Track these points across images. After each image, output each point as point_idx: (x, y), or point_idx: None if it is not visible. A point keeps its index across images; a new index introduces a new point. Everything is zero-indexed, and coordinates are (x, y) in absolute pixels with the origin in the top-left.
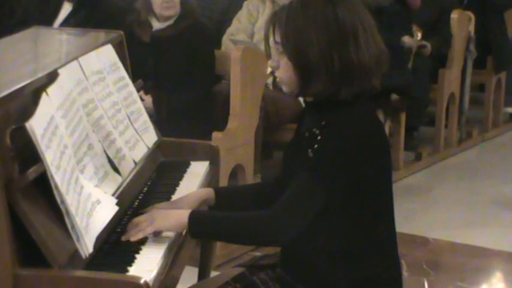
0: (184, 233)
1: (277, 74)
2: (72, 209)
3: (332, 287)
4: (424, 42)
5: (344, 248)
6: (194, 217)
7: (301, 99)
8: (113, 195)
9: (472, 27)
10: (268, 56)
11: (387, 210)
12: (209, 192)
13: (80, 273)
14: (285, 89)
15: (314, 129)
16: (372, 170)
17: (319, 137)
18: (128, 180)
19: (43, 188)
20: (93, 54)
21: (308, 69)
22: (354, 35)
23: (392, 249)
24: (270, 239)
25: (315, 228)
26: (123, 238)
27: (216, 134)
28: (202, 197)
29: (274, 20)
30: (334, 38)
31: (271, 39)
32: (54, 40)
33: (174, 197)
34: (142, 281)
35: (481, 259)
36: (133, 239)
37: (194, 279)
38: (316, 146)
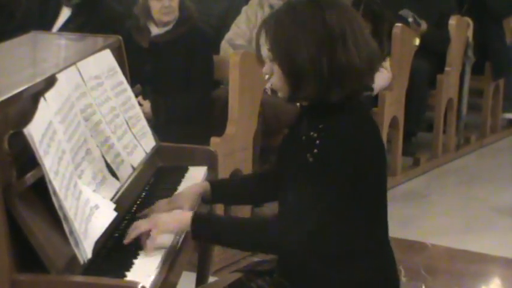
0: (181, 238)
1: (271, 80)
2: (71, 214)
3: None
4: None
5: (340, 251)
6: (197, 219)
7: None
8: (111, 200)
9: (470, 33)
10: (262, 63)
11: (382, 213)
12: (205, 186)
13: (78, 278)
14: (279, 94)
15: (312, 133)
16: (369, 173)
17: (317, 141)
18: (126, 185)
19: (41, 193)
20: (91, 59)
21: (298, 74)
22: (343, 38)
23: (388, 253)
24: (276, 248)
25: (312, 232)
26: (125, 241)
27: (214, 139)
28: (198, 191)
29: (264, 28)
30: (322, 43)
31: (262, 47)
32: (53, 45)
33: None
34: (140, 286)
35: (479, 265)
36: (126, 241)
37: (192, 285)
38: (315, 150)
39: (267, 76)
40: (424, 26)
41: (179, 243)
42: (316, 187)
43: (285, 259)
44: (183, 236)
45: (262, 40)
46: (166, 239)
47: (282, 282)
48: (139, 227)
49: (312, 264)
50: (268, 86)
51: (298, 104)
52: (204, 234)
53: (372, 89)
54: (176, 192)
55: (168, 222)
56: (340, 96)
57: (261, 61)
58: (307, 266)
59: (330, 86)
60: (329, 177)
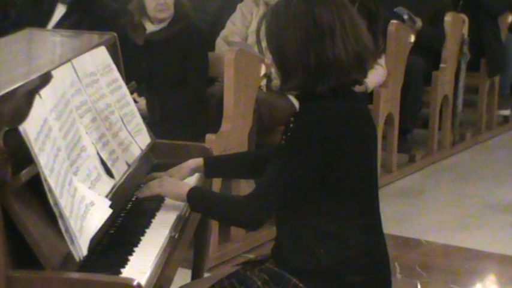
0: (177, 233)
1: (273, 69)
2: (66, 211)
3: (316, 271)
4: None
5: (328, 231)
6: (192, 193)
7: (294, 100)
8: (106, 197)
9: (465, 30)
10: (262, 54)
11: (370, 195)
12: (198, 161)
13: (73, 275)
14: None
15: (291, 118)
16: (347, 157)
17: (291, 125)
18: (121, 182)
19: (36, 190)
20: (86, 56)
21: (286, 66)
22: (331, 32)
23: (377, 232)
24: (244, 223)
25: (300, 211)
26: (136, 193)
27: (209, 136)
28: (190, 166)
29: (263, 20)
30: (310, 36)
31: (262, 39)
32: (48, 42)
33: (166, 199)
34: (135, 283)
35: (474, 261)
36: (140, 195)
37: (187, 281)
38: (288, 134)
39: (262, 72)
40: (419, 23)
41: (174, 239)
42: (282, 168)
43: (276, 248)
44: (178, 232)
45: (262, 32)
46: (161, 237)
47: (272, 268)
48: (151, 188)
49: (298, 243)
50: (263, 83)
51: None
52: (195, 208)
53: (361, 83)
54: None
55: (171, 189)
56: (326, 87)
57: (261, 51)
58: (293, 247)
59: (317, 78)
60: (294, 160)
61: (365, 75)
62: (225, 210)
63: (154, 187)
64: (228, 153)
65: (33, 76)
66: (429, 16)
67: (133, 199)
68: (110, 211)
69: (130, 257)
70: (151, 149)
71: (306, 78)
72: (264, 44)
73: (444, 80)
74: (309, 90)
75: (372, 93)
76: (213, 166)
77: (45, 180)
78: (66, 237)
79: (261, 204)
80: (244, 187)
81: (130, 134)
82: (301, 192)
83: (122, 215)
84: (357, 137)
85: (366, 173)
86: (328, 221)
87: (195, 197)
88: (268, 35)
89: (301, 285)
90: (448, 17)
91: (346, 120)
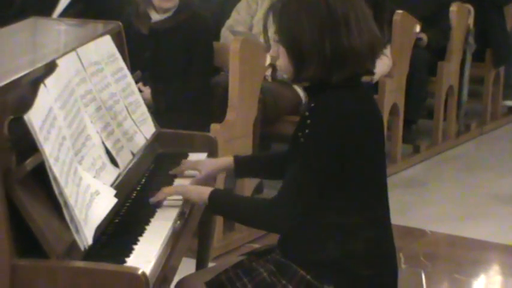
0: (182, 222)
1: (277, 63)
2: (71, 200)
3: (323, 263)
4: (420, 35)
5: (337, 223)
6: (212, 198)
7: (299, 90)
8: (111, 186)
9: (471, 20)
10: (269, 47)
11: (380, 187)
12: (229, 161)
13: (78, 264)
14: (285, 75)
15: (306, 113)
16: (361, 150)
17: (308, 121)
18: (125, 171)
19: (41, 178)
20: (91, 45)
21: (301, 56)
22: (346, 22)
23: (386, 225)
24: (271, 227)
25: (310, 206)
26: (151, 200)
27: (214, 126)
28: (221, 165)
29: (271, 11)
30: (325, 25)
31: (269, 30)
32: (53, 31)
33: None
34: (140, 272)
35: (478, 252)
36: (161, 195)
37: (192, 271)
38: (306, 131)
39: (268, 62)
40: (424, 39)
41: (179, 228)
42: (307, 167)
43: (283, 239)
44: (182, 221)
45: (270, 23)
46: (165, 226)
47: (278, 259)
48: (167, 191)
49: (307, 236)
50: (268, 73)
51: (299, 89)
52: (216, 211)
53: (373, 73)
54: (205, 158)
55: (191, 192)
56: (341, 77)
57: (267, 43)
58: (302, 239)
59: (332, 68)
60: (317, 157)
61: (374, 65)
62: (251, 215)
63: (177, 190)
64: (257, 154)
65: (38, 65)
66: (433, 8)
67: (138, 188)
68: (115, 200)
69: (135, 246)
70: (156, 139)
71: (321, 68)
72: (270, 34)
73: (449, 71)
74: (323, 80)
75: (377, 83)
76: (243, 166)
77: (50, 169)
78: (71, 226)
79: (289, 208)
80: (248, 184)
81: (135, 123)
82: (322, 189)
83: (127, 204)
84: (369, 129)
85: (376, 165)
86: (338, 214)
87: (216, 199)
88: (280, 26)
89: (308, 277)
90: (454, 8)
91: (360, 114)
